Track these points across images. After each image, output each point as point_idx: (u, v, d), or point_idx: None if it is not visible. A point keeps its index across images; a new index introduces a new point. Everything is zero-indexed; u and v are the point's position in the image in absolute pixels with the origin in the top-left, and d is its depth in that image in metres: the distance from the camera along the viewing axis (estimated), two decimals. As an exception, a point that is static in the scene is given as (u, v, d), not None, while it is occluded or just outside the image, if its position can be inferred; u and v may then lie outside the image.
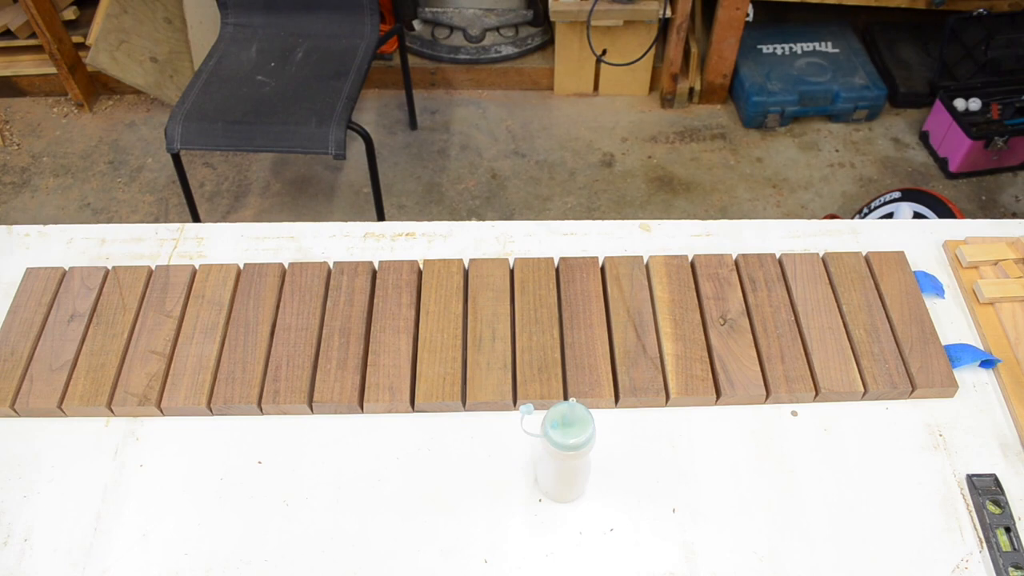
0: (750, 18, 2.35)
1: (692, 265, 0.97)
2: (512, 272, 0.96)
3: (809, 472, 0.82)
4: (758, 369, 0.87)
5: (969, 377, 0.89)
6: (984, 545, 0.77)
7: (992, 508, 0.79)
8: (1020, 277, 0.95)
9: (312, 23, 1.99)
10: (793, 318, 0.91)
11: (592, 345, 0.88)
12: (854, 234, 1.04)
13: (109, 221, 2.20)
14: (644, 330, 0.90)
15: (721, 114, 2.54)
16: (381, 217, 2.02)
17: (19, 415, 0.86)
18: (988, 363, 0.90)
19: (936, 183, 2.34)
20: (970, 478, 0.81)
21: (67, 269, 0.96)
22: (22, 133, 2.45)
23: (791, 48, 2.52)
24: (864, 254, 0.98)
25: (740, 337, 0.89)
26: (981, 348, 0.91)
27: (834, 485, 0.81)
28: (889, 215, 1.99)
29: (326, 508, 0.79)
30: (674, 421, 0.85)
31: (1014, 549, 0.76)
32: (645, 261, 0.97)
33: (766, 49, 2.52)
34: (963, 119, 2.24)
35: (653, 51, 2.43)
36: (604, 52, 2.43)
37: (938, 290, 0.96)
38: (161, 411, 0.85)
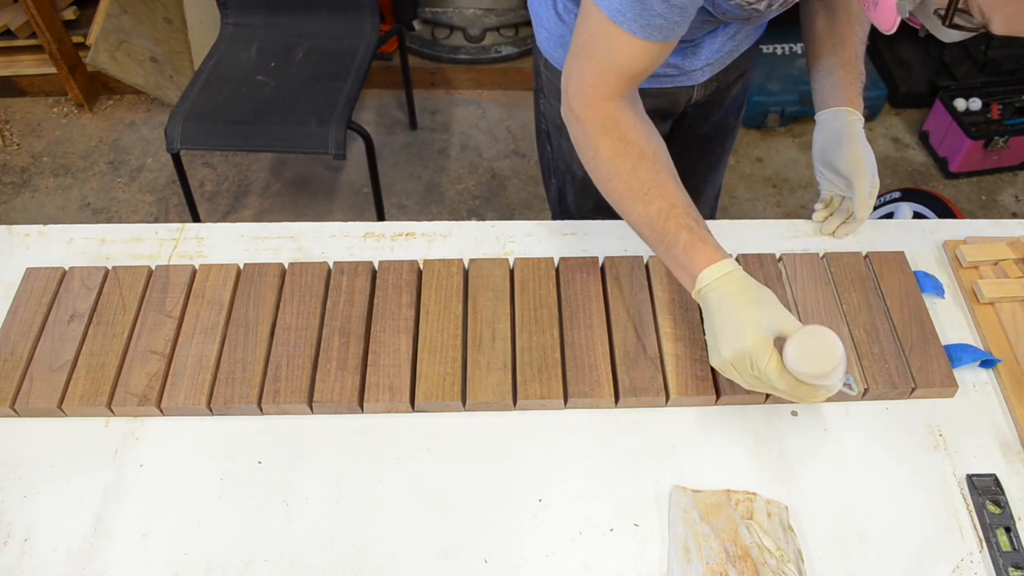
0: (750, 18, 2.35)
1: (692, 265, 0.97)
2: (512, 272, 0.96)
3: (809, 472, 0.82)
4: (758, 369, 0.87)
5: (969, 377, 0.89)
6: (984, 545, 0.77)
7: (992, 508, 0.79)
8: (1020, 277, 0.95)
9: (312, 23, 1.99)
10: (793, 318, 0.91)
11: (592, 345, 0.88)
12: (854, 234, 1.04)
13: (109, 221, 2.20)
14: (644, 330, 0.90)
15: (721, 114, 2.54)
16: (381, 217, 2.02)
17: (19, 415, 0.86)
18: (988, 363, 0.90)
19: (936, 183, 2.34)
20: (970, 478, 0.81)
21: (67, 269, 0.96)
22: (22, 133, 2.45)
23: (791, 48, 2.52)
24: (864, 254, 0.98)
25: (740, 337, 0.89)
26: (981, 348, 0.91)
27: (834, 485, 0.81)
28: (889, 215, 1.99)
29: (326, 508, 0.79)
30: (674, 421, 0.85)
31: (1014, 549, 0.76)
32: (645, 261, 0.97)
33: (766, 49, 2.52)
34: (963, 119, 2.24)
35: (653, 51, 2.43)
36: (604, 52, 2.43)
37: (938, 290, 0.96)
38: (161, 411, 0.85)
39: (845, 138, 0.96)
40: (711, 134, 1.27)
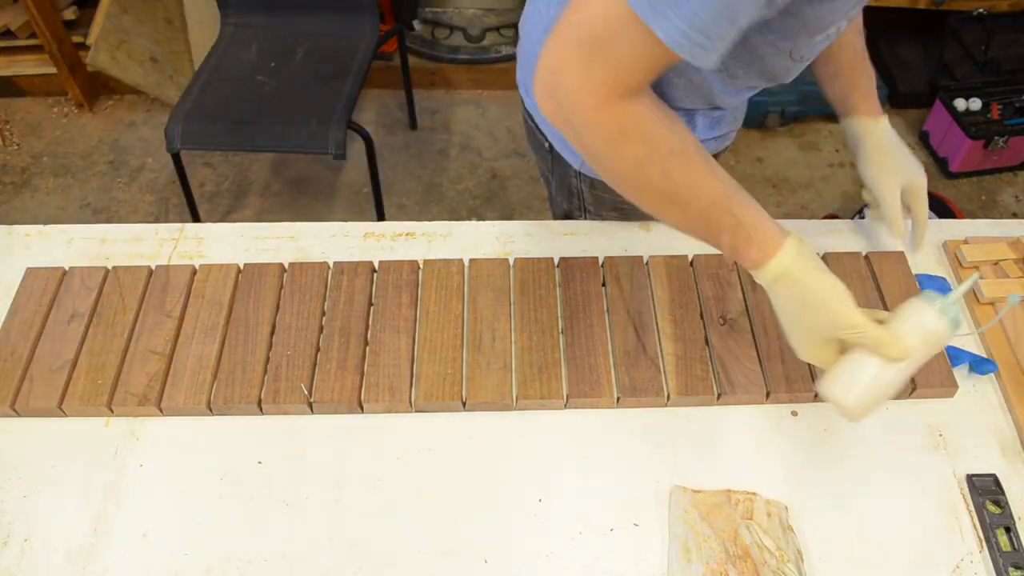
0: (750, 18, 2.35)
1: (692, 265, 0.97)
2: (512, 272, 0.96)
3: (809, 472, 0.82)
4: (758, 369, 0.87)
5: (969, 377, 0.89)
6: (984, 545, 0.77)
7: (992, 508, 0.79)
8: (1020, 277, 0.95)
9: (312, 23, 1.99)
10: (793, 318, 0.91)
11: (592, 345, 0.88)
12: (854, 234, 1.04)
13: (109, 221, 2.20)
14: (644, 330, 0.90)
15: (721, 114, 2.54)
16: (381, 217, 2.02)
17: (19, 415, 0.86)
18: (983, 368, 0.89)
19: (936, 183, 2.34)
20: (970, 478, 0.81)
21: (67, 269, 0.96)
22: (22, 133, 2.45)
23: (791, 48, 2.52)
24: (864, 254, 0.98)
25: (740, 337, 0.89)
26: (981, 348, 0.91)
27: (834, 485, 0.81)
28: (889, 215, 1.99)
29: (326, 508, 0.79)
30: (674, 421, 0.85)
31: (1014, 549, 0.76)
32: (645, 261, 0.97)
33: (766, 49, 2.52)
34: (963, 119, 2.24)
35: (653, 51, 2.43)
36: (604, 52, 2.43)
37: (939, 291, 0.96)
38: (161, 411, 0.85)
39: (861, 151, 0.97)
40: None
